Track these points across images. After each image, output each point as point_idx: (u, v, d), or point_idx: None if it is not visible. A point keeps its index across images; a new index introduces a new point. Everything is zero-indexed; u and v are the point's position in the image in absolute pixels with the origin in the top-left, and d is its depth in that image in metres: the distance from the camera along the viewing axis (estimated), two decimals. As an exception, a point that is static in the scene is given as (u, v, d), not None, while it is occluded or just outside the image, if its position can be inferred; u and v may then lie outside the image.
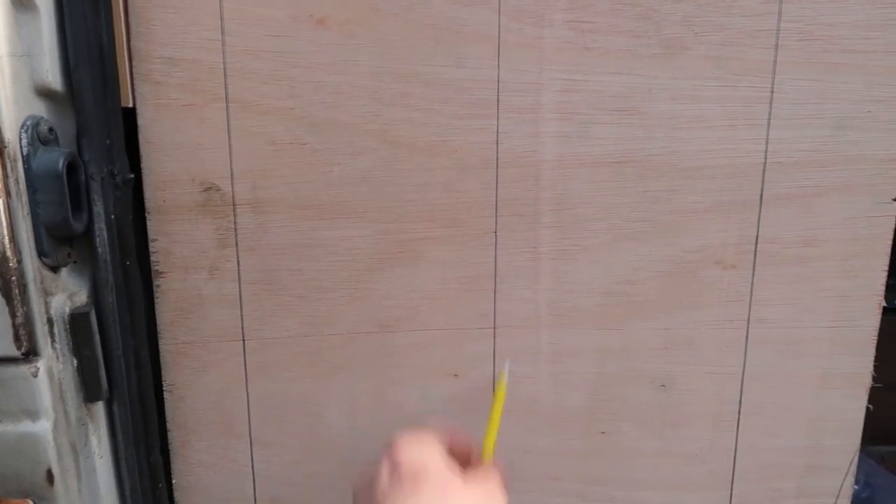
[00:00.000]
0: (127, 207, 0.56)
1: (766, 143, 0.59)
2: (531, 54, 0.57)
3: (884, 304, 0.67)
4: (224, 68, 0.56)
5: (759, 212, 0.61)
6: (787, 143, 0.59)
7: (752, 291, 0.62)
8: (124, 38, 0.55)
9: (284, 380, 0.62)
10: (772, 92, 0.59)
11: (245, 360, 0.61)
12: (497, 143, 0.59)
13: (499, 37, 0.57)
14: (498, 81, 0.58)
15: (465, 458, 0.49)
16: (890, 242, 0.61)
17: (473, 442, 0.51)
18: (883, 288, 0.62)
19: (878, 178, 0.60)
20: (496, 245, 0.61)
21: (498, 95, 0.58)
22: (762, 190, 0.60)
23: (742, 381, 0.64)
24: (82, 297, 0.54)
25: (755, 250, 0.61)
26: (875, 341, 0.63)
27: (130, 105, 0.56)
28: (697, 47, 0.58)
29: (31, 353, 0.49)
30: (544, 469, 0.66)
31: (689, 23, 0.57)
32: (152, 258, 0.59)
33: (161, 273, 0.59)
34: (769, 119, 0.59)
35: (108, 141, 0.53)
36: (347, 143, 0.58)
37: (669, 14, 0.57)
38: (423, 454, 0.44)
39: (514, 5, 0.56)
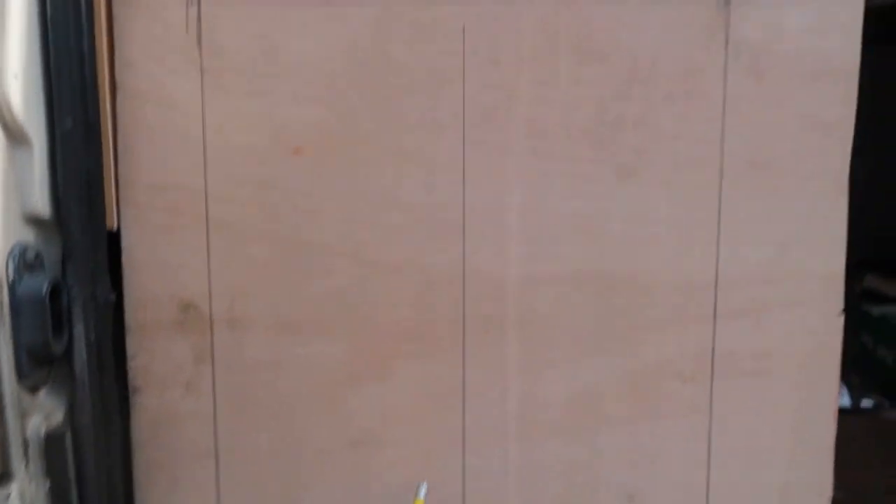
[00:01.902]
0: (107, 327, 0.57)
1: (717, 260, 0.63)
2: (495, 179, 0.61)
3: (843, 404, 0.69)
4: (206, 193, 0.60)
5: (714, 326, 0.64)
6: (736, 261, 0.63)
7: (711, 403, 0.64)
8: (112, 166, 0.58)
9: (257, 497, 0.63)
10: (719, 213, 0.63)
11: (218, 478, 0.62)
12: (464, 263, 0.62)
13: (464, 163, 0.61)
14: (464, 205, 0.61)
15: None
16: (839, 355, 0.64)
17: None
18: (837, 400, 0.65)
19: (823, 294, 0.64)
20: (464, 361, 0.63)
21: (464, 217, 0.62)
22: (716, 305, 0.63)
23: (707, 493, 0.65)
24: (58, 417, 0.55)
25: (712, 363, 0.64)
26: (832, 451, 0.65)
27: (115, 228, 0.59)
28: (649, 172, 0.62)
29: (4, 477, 0.50)
30: (515, 582, 0.66)
31: (639, 150, 0.62)
32: (130, 374, 0.61)
33: (138, 389, 0.61)
34: (718, 238, 0.63)
35: (91, 264, 0.56)
36: (321, 263, 0.61)
37: (622, 142, 0.62)
38: None
39: (479, 135, 0.61)
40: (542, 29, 0.61)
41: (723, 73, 0.62)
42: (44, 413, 0.53)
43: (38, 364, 0.52)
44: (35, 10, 0.53)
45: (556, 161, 0.62)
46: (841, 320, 0.64)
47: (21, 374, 0.51)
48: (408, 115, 0.61)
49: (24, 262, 0.51)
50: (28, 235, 0.53)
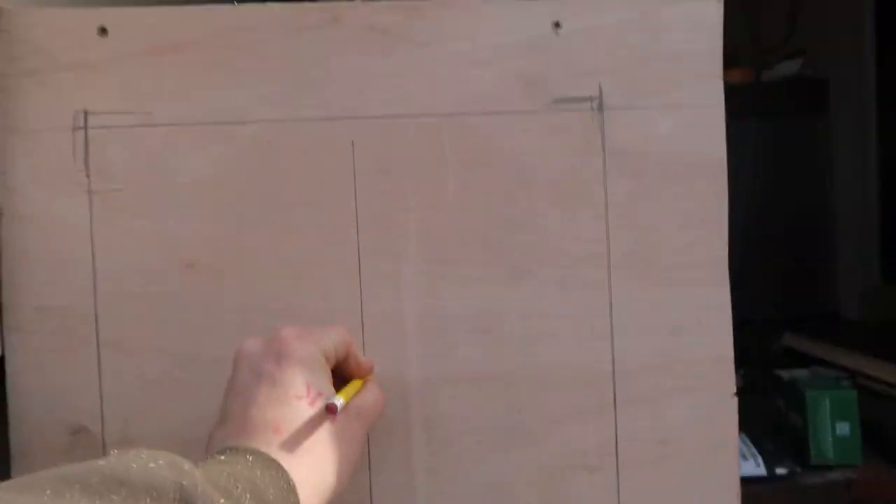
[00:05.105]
0: (-14, 460, 0.55)
1: (612, 351, 0.65)
2: (390, 285, 0.63)
3: (759, 473, 0.71)
4: (95, 313, 0.59)
5: (615, 416, 0.65)
6: (630, 351, 0.65)
7: (619, 493, 0.65)
8: (-4, 292, 0.57)
9: None
10: (611, 306, 0.65)
11: None
12: (363, 369, 0.62)
13: (360, 271, 0.62)
14: (362, 311, 0.62)
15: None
16: (736, 435, 0.66)
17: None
18: (738, 480, 0.66)
19: (716, 377, 0.66)
20: (370, 467, 0.62)
21: (362, 322, 0.62)
22: (615, 395, 0.65)
23: (620, 587, 0.64)
24: (-73, 563, 0.51)
25: (616, 453, 0.65)
26: (740, 535, 0.65)
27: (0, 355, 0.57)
28: (541, 271, 0.64)
29: None
30: None
31: (532, 250, 0.64)
32: (13, 508, 0.57)
33: (22, 523, 0.57)
34: (612, 330, 0.65)
35: (-30, 394, 0.54)
36: (218, 377, 0.60)
37: (512, 244, 0.64)
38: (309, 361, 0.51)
39: (372, 244, 0.62)
40: (428, 140, 0.64)
41: (602, 175, 0.66)
42: None
43: None
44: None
45: (450, 265, 0.64)
46: (735, 402, 0.66)
47: None
48: (301, 225, 0.62)
49: None
50: None
